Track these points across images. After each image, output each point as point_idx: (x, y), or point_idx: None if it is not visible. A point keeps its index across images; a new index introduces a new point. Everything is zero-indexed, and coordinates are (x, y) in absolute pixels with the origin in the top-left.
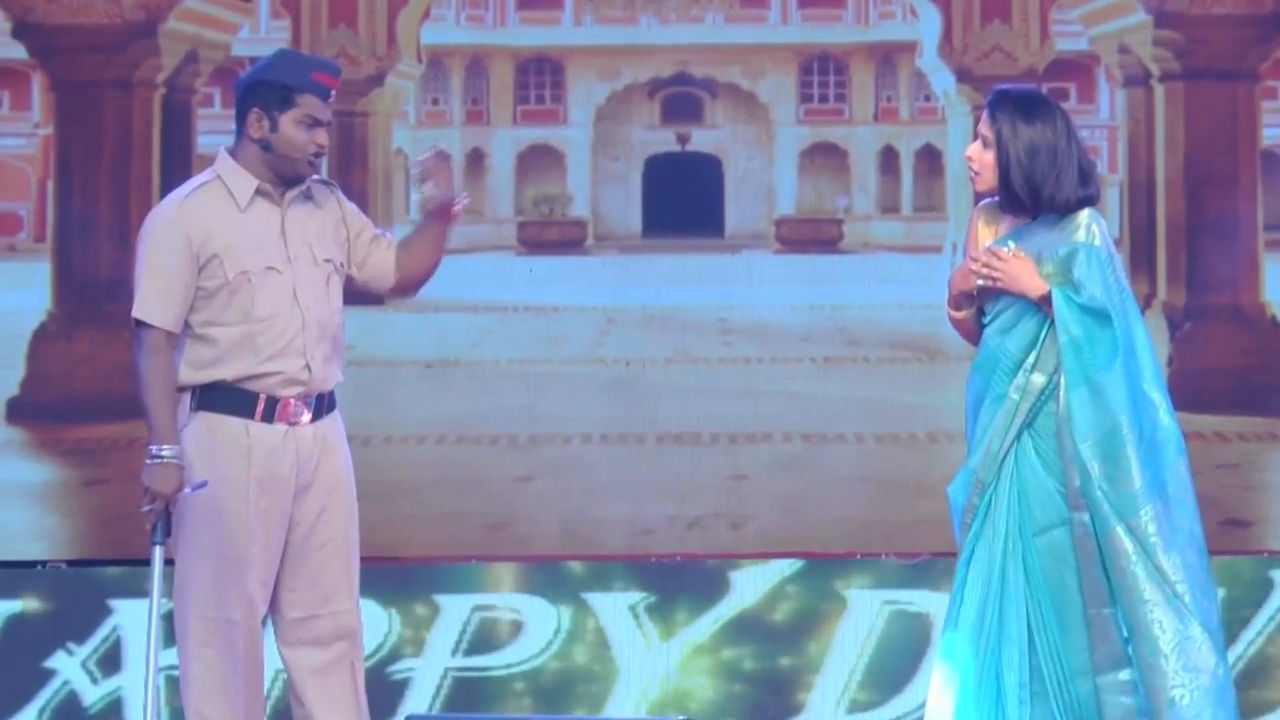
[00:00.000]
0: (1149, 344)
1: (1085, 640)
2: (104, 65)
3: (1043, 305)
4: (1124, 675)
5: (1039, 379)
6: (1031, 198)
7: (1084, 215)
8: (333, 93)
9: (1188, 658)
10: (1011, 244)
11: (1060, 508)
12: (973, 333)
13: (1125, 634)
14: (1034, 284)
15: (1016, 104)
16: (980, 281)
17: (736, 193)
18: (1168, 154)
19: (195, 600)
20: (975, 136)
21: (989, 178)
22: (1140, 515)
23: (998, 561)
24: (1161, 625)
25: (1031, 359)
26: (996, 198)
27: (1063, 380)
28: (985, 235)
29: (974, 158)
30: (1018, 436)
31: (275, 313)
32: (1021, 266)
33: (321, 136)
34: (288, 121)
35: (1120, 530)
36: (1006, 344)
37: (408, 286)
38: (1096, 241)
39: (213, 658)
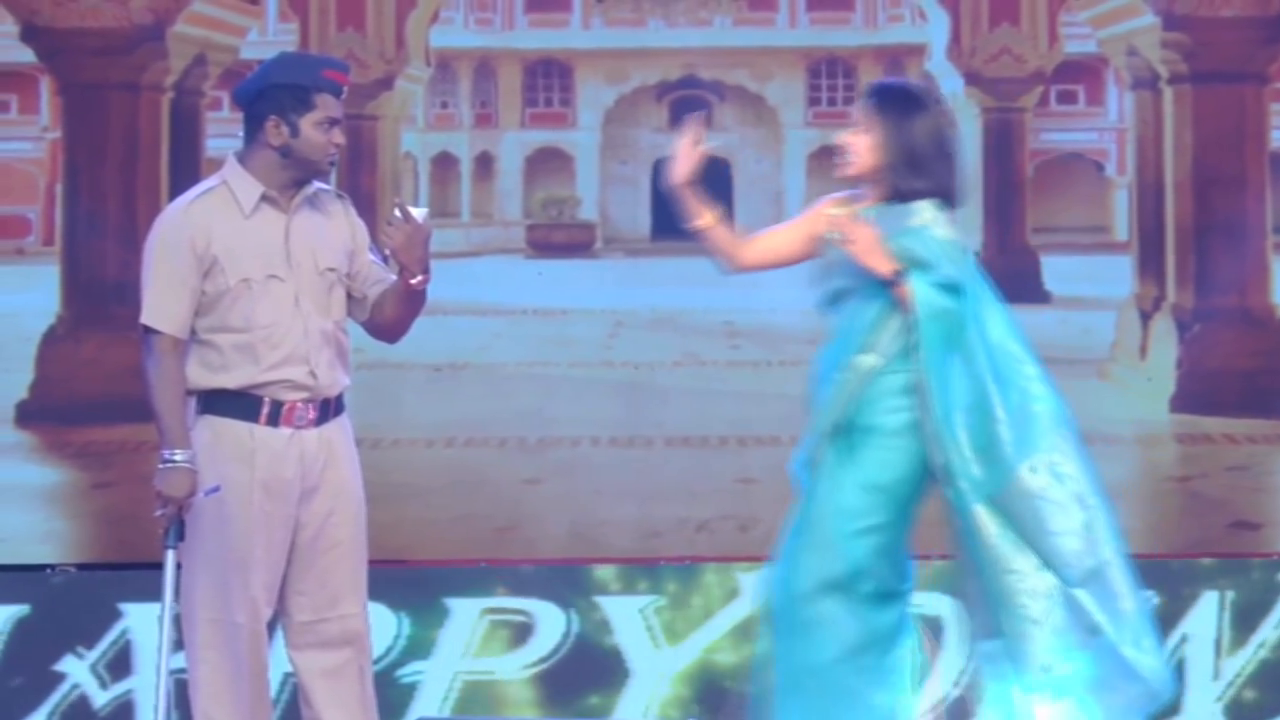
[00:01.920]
0: (1013, 321)
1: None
2: (111, 68)
3: (890, 286)
4: (993, 644)
5: (872, 360)
6: (908, 187)
7: (926, 204)
8: (345, 90)
9: (1062, 624)
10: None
11: (865, 502)
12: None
13: (988, 604)
14: (882, 261)
15: (900, 95)
16: (831, 235)
17: (745, 196)
18: (1176, 156)
19: (200, 603)
20: (858, 127)
21: (863, 164)
22: (1004, 490)
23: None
24: (1032, 594)
25: (869, 340)
26: (852, 190)
27: (923, 357)
28: (827, 219)
29: (851, 143)
30: (840, 418)
31: (277, 320)
32: (875, 242)
33: (339, 135)
34: (308, 124)
35: (984, 504)
36: (853, 324)
37: (378, 334)
38: (941, 227)
39: (218, 660)
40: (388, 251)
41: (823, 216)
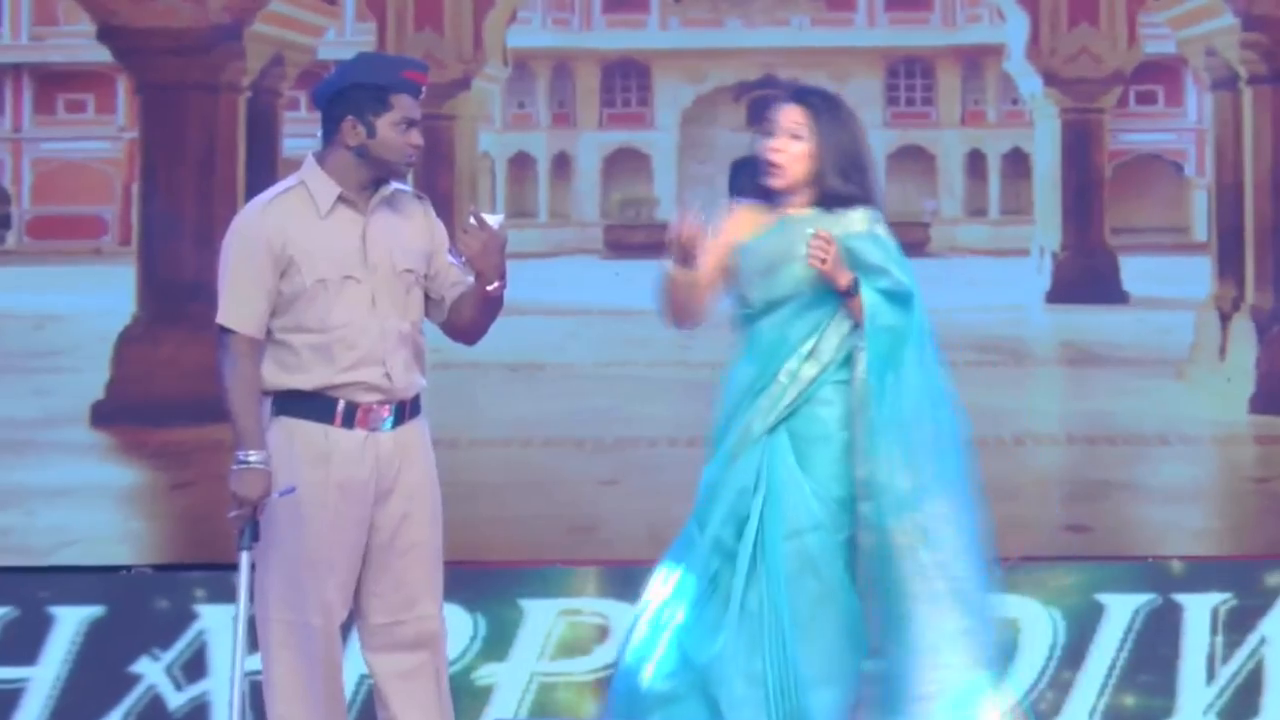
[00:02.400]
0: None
1: (830, 647)
2: (189, 68)
3: (845, 295)
4: (872, 665)
5: (811, 369)
6: (842, 193)
7: (861, 210)
8: (423, 90)
9: (947, 654)
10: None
11: (813, 513)
12: (690, 299)
13: (883, 625)
14: (844, 273)
15: (828, 101)
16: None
17: None
18: (1256, 157)
19: (274, 604)
20: (784, 132)
21: (797, 171)
22: (924, 508)
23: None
24: (927, 620)
25: (808, 348)
26: (756, 200)
27: (865, 368)
28: (739, 229)
29: (783, 150)
30: (775, 425)
31: (351, 321)
32: (838, 257)
33: (416, 136)
34: (385, 125)
35: (898, 523)
36: (787, 333)
37: (455, 336)
38: (883, 232)
39: (292, 661)
40: (464, 259)
41: (748, 224)
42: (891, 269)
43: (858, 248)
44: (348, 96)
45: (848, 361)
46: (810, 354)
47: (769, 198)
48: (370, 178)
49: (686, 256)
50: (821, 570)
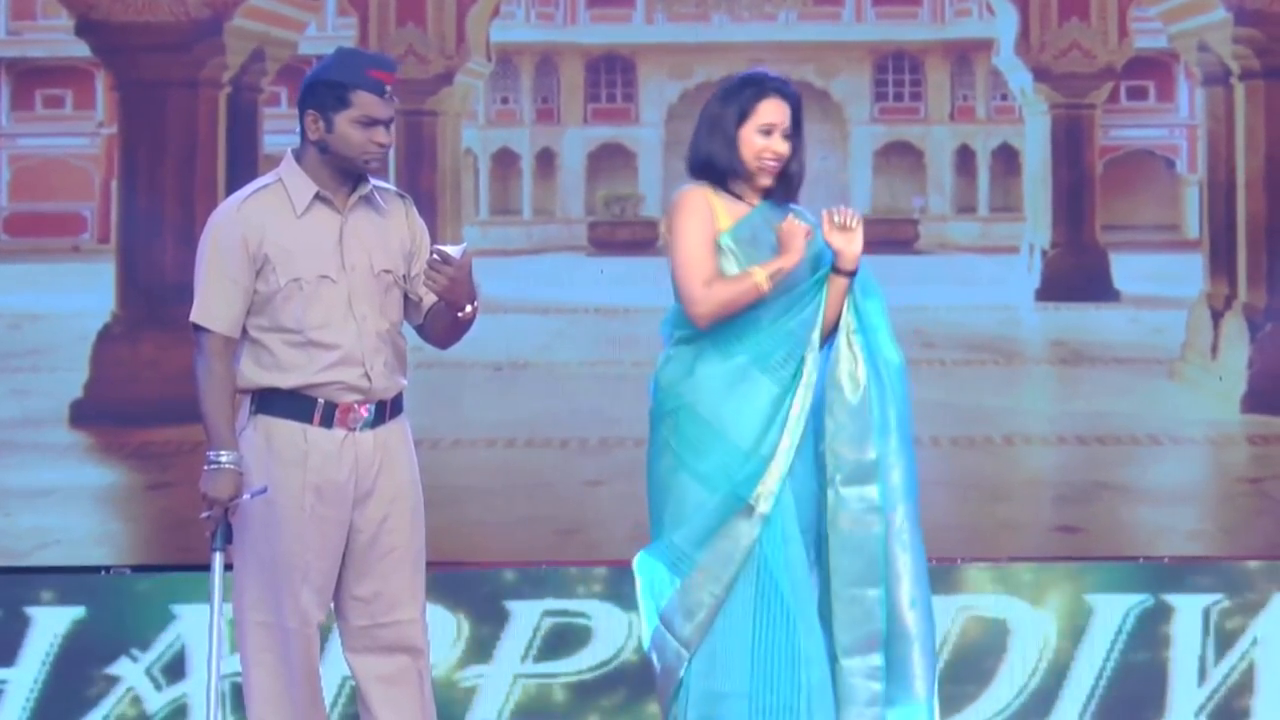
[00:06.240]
0: None
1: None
2: (169, 63)
3: (849, 274)
4: (875, 659)
5: (818, 359)
6: (798, 186)
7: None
8: (388, 88)
9: (924, 648)
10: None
11: (810, 512)
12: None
13: (884, 615)
14: (856, 252)
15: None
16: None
17: (810, 192)
18: (1248, 153)
19: (250, 606)
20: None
21: (780, 167)
22: (907, 502)
23: (795, 569)
24: (918, 615)
25: (816, 340)
26: (706, 187)
27: (863, 355)
28: (725, 221)
29: (783, 150)
30: (809, 421)
31: (328, 321)
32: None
33: (381, 135)
34: (343, 121)
35: (902, 509)
36: (795, 329)
37: (429, 341)
38: None
39: (271, 663)
40: (435, 295)
41: (723, 211)
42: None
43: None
44: (313, 91)
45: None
46: (816, 347)
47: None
48: (336, 175)
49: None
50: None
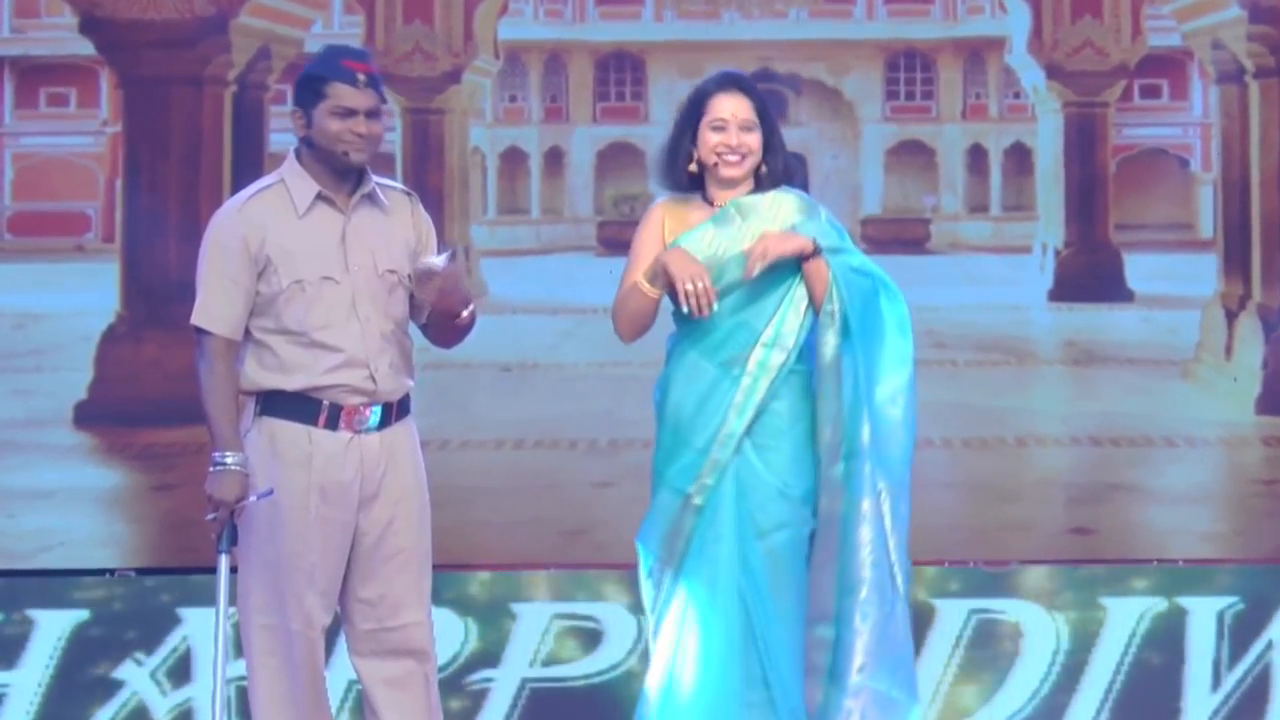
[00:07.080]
0: None
1: (796, 627)
2: (174, 61)
3: (806, 259)
4: (826, 632)
5: (778, 356)
6: (777, 175)
7: (792, 191)
8: (362, 77)
9: (883, 634)
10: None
11: (783, 510)
12: (647, 315)
13: (838, 593)
14: (796, 241)
15: (756, 86)
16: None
17: (821, 191)
18: (1262, 151)
19: (255, 608)
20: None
21: (752, 162)
22: (881, 489)
23: (720, 566)
24: (869, 600)
25: (771, 334)
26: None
27: (838, 343)
28: (677, 227)
29: (744, 143)
30: (755, 418)
31: (331, 323)
32: (782, 235)
33: (360, 125)
34: (321, 114)
35: (870, 499)
36: (747, 320)
37: (432, 341)
38: (823, 213)
39: (277, 666)
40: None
41: (679, 218)
42: (847, 246)
43: (813, 234)
44: (297, 90)
45: (802, 354)
46: (774, 341)
47: (685, 190)
48: (336, 173)
49: (701, 307)
50: (788, 565)
